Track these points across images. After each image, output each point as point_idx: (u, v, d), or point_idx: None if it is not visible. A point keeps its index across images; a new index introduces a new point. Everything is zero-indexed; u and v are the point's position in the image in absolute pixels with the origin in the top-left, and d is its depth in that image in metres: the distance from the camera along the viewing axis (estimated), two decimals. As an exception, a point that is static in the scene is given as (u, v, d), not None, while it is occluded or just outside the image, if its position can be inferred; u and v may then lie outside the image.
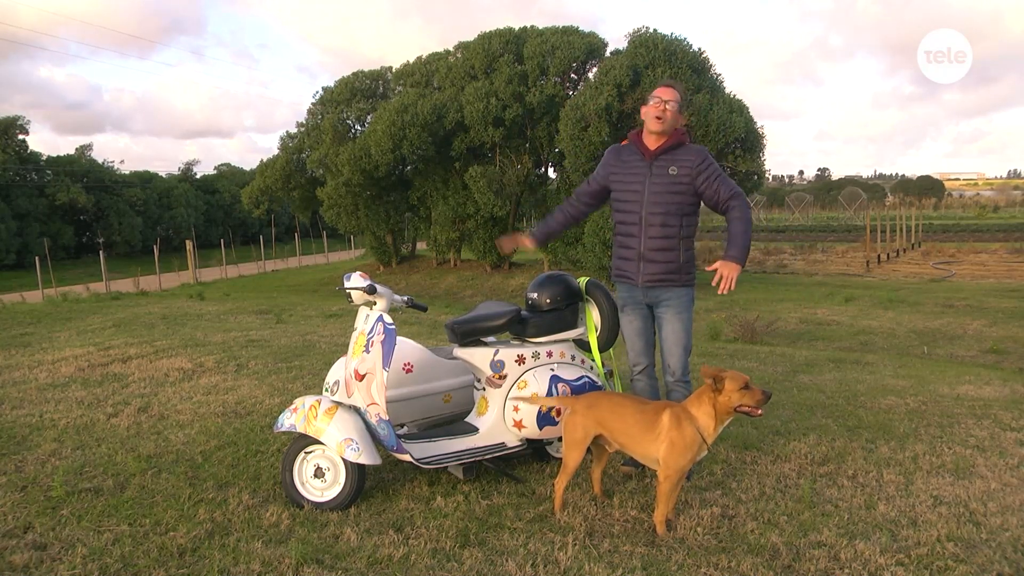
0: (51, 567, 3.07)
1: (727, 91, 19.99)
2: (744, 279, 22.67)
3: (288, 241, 49.34)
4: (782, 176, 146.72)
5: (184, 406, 5.57)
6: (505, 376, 4.08)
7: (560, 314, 4.17)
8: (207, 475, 4.11)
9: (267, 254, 39.69)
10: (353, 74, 24.64)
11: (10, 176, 37.96)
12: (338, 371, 4.04)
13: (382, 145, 20.69)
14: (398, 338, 3.95)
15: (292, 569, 3.05)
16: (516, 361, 4.09)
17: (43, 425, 5.08)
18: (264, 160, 25.98)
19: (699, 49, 20.02)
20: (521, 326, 4.13)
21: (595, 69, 20.90)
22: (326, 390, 4.03)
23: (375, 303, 3.83)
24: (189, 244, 30.97)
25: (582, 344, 4.33)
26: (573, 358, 4.22)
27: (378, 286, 3.82)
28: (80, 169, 41.92)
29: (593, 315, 4.30)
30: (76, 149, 46.37)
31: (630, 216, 4.00)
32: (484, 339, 4.17)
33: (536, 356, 4.13)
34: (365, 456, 3.62)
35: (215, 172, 54.16)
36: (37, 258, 26.41)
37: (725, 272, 3.76)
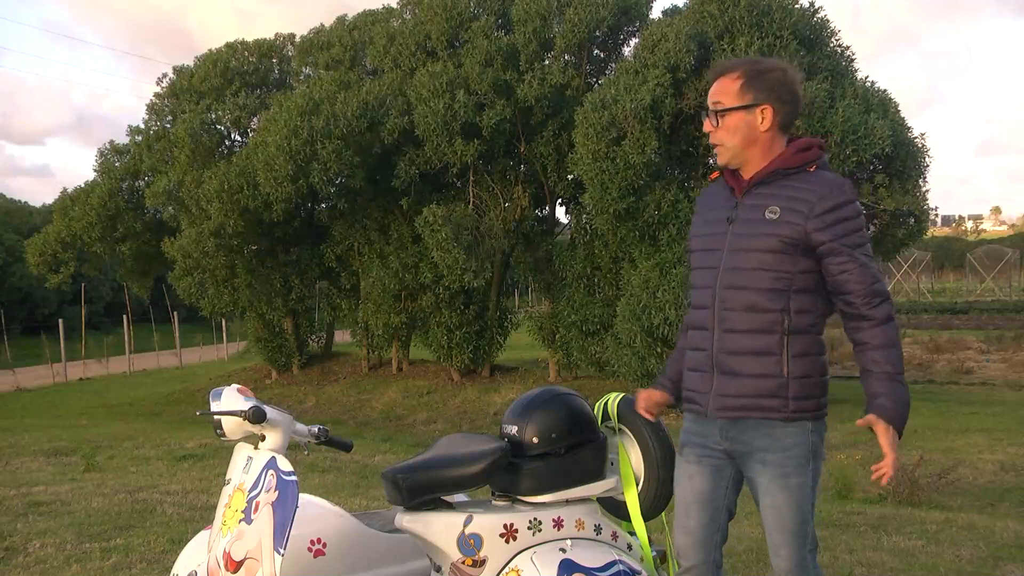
0: None
1: (859, 77, 15.18)
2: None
3: (111, 329, 32.64)
4: (956, 216, 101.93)
5: None
6: (483, 561, 3.07)
7: (561, 461, 3.10)
8: None
9: (71, 351, 27.18)
10: (227, 47, 18.03)
11: None
12: (196, 555, 3.18)
13: (277, 169, 16.13)
14: (302, 497, 3.07)
15: None
16: (502, 536, 3.07)
17: None
18: (69, 191, 18.55)
19: (812, 5, 15.04)
20: (511, 476, 3.10)
21: (634, 41, 16.60)
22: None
23: (263, 438, 3.01)
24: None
25: (613, 507, 3.29)
26: (598, 530, 3.19)
27: (268, 409, 3.01)
28: None
29: (631, 458, 3.24)
30: None
31: (701, 294, 2.71)
32: (448, 498, 3.20)
33: (536, 528, 3.09)
34: None
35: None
36: None
37: (886, 440, 2.42)
